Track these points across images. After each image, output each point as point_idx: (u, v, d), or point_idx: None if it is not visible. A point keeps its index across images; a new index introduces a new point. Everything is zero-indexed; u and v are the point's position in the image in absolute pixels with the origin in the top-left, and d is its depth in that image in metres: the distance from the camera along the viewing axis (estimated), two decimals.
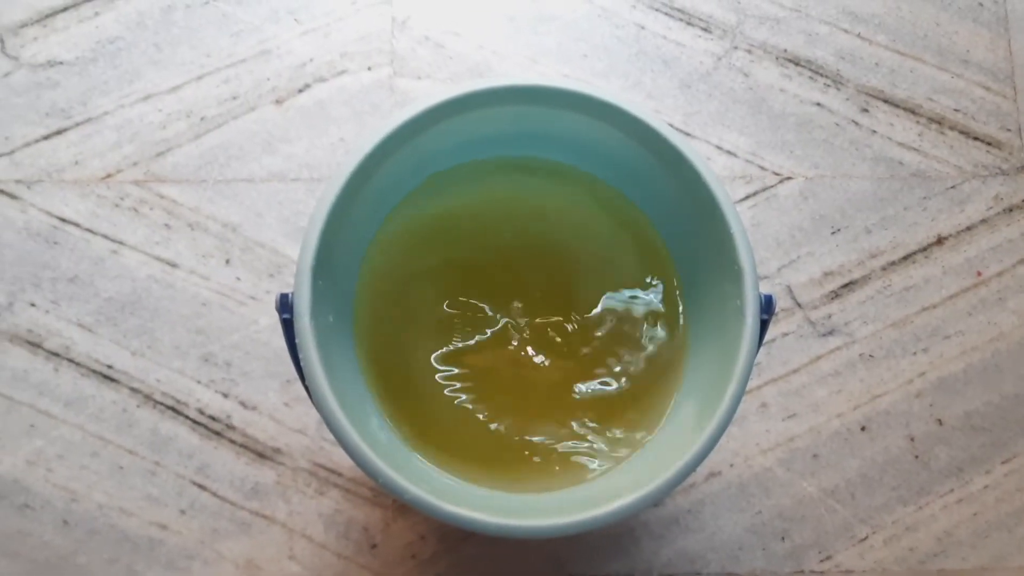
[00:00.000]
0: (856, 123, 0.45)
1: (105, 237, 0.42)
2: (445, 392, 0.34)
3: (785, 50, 0.45)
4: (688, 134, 0.44)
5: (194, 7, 0.45)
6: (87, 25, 0.44)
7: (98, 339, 0.41)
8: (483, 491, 0.32)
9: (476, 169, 0.35)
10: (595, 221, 0.35)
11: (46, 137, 0.43)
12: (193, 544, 0.39)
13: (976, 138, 0.45)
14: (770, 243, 0.43)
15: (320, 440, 0.40)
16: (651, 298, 0.35)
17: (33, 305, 0.41)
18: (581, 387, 0.34)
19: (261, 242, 0.42)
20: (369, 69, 0.44)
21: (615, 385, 0.34)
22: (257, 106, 0.44)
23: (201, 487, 0.40)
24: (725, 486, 0.41)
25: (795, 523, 0.41)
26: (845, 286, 0.43)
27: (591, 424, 0.34)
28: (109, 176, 0.43)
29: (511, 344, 0.34)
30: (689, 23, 0.46)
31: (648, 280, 0.35)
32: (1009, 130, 0.45)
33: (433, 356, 0.34)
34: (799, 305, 0.43)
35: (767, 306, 0.31)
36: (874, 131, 0.45)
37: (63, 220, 0.42)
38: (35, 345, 0.41)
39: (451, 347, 0.34)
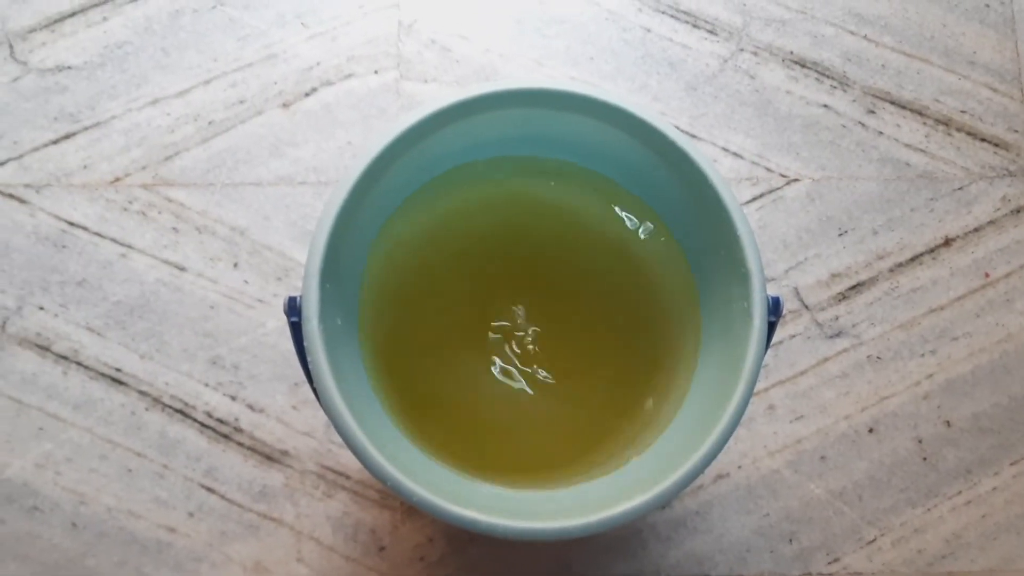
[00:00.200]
0: (863, 125, 0.45)
1: (113, 241, 0.42)
2: (451, 394, 0.34)
3: (791, 52, 0.45)
4: (694, 136, 0.44)
5: (201, 12, 0.45)
6: (95, 30, 0.44)
7: (107, 342, 0.41)
8: (491, 493, 0.32)
9: (483, 172, 0.35)
10: (604, 222, 0.35)
11: (55, 141, 0.43)
12: (201, 546, 0.39)
13: (983, 139, 0.45)
14: (777, 245, 0.43)
15: (328, 443, 0.40)
16: (662, 297, 0.35)
17: (42, 309, 0.41)
18: (588, 388, 0.34)
19: (269, 245, 0.42)
20: (376, 73, 0.44)
21: (622, 386, 0.34)
22: (264, 110, 0.44)
23: (209, 490, 0.40)
24: (733, 488, 0.41)
25: (803, 525, 0.40)
26: (852, 288, 0.43)
27: (597, 425, 0.34)
28: (117, 180, 0.43)
29: (518, 345, 0.34)
30: (695, 26, 0.46)
31: (659, 280, 0.35)
32: (1016, 131, 0.45)
33: (439, 358, 0.34)
34: (806, 307, 0.43)
35: (774, 308, 0.31)
36: (881, 132, 0.45)
37: (72, 224, 0.42)
38: (44, 349, 0.41)
39: (457, 349, 0.34)
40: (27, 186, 0.43)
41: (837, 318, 0.43)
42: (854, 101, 0.45)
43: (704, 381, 0.33)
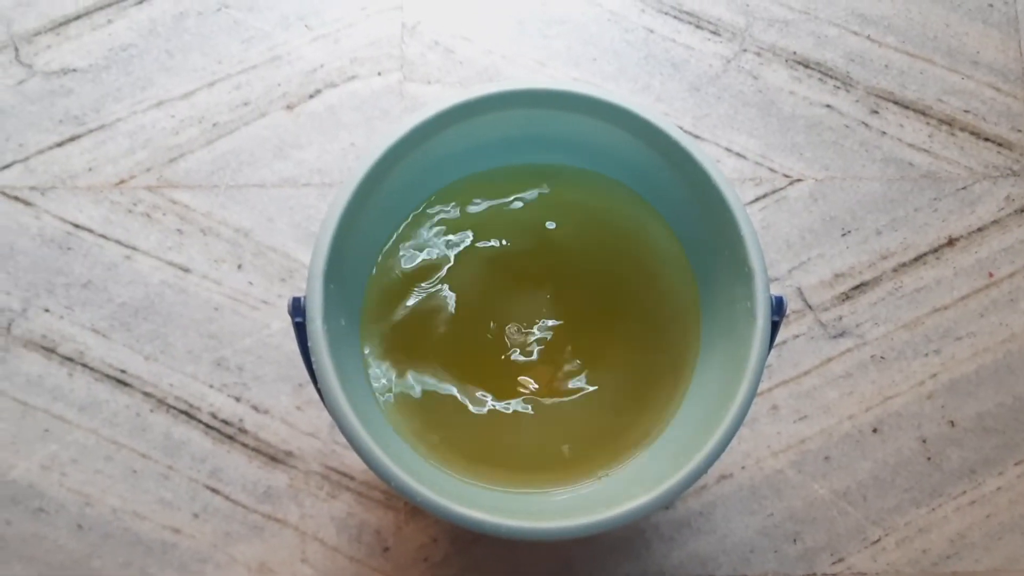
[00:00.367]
0: (866, 125, 0.45)
1: (118, 243, 0.42)
2: (454, 395, 0.34)
3: (794, 52, 0.45)
4: (698, 137, 0.44)
5: (206, 14, 0.45)
6: (100, 33, 0.45)
7: (112, 344, 0.41)
8: (493, 493, 0.32)
9: (487, 172, 0.35)
10: (612, 222, 0.35)
11: (60, 144, 0.43)
12: (206, 547, 0.39)
13: (986, 139, 0.45)
14: (780, 245, 0.43)
15: (332, 443, 0.41)
16: (665, 299, 0.35)
17: (47, 311, 0.41)
18: (592, 388, 0.34)
19: (273, 247, 0.42)
20: (379, 74, 0.44)
21: (626, 386, 0.34)
22: (268, 112, 0.44)
23: (214, 491, 0.40)
24: (736, 488, 0.41)
25: (807, 525, 0.40)
26: (856, 288, 0.43)
27: (602, 425, 0.34)
28: (122, 182, 0.43)
29: (522, 345, 0.34)
30: (698, 26, 0.46)
31: (663, 280, 0.35)
32: (1019, 131, 0.45)
33: (442, 359, 0.34)
34: (810, 307, 0.43)
35: (778, 308, 0.31)
36: (884, 133, 0.45)
37: (77, 226, 0.42)
38: (49, 350, 0.41)
39: (463, 350, 0.34)
40: (32, 188, 0.43)
41: (841, 318, 0.43)
42: (857, 101, 0.45)
43: (708, 381, 0.33)
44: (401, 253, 0.34)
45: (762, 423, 0.41)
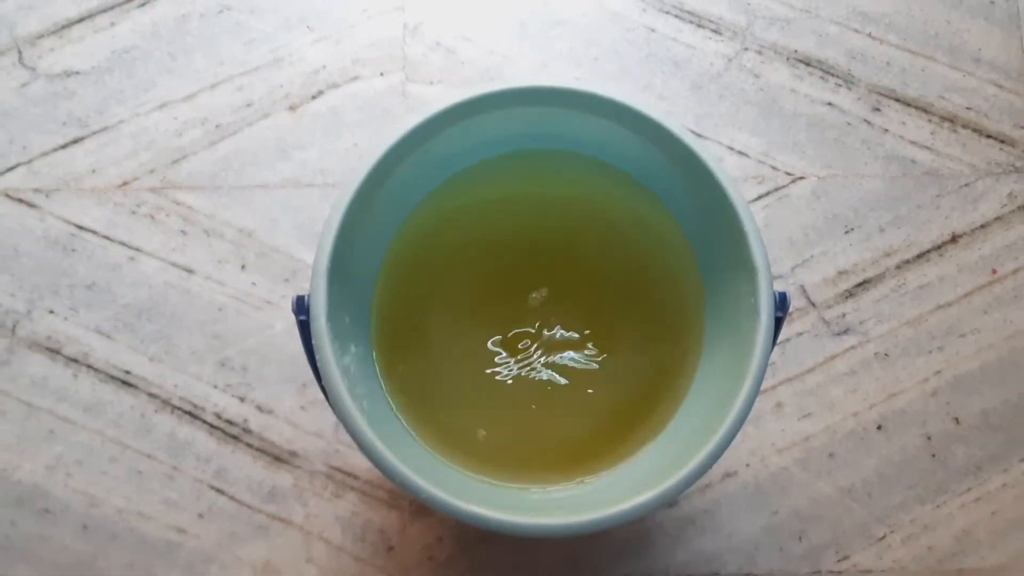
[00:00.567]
0: (868, 122, 0.45)
1: (122, 244, 0.42)
2: (459, 393, 0.34)
3: (796, 51, 0.46)
4: (700, 135, 0.44)
5: (208, 16, 0.45)
6: (103, 35, 0.45)
7: (116, 345, 0.41)
8: (498, 490, 0.32)
9: (492, 171, 0.35)
10: (615, 220, 0.35)
11: (63, 146, 0.43)
12: (211, 547, 0.40)
13: (989, 136, 0.45)
14: (783, 243, 0.43)
15: (336, 443, 0.41)
16: (669, 296, 0.35)
17: (52, 312, 0.42)
18: (597, 385, 0.34)
19: (276, 247, 0.42)
20: (381, 75, 0.45)
21: (631, 383, 0.34)
22: (271, 113, 0.44)
23: (219, 491, 0.40)
24: (741, 486, 0.41)
25: (812, 523, 0.40)
26: (859, 285, 0.43)
27: (607, 423, 0.34)
28: (126, 184, 0.43)
29: (528, 343, 0.34)
30: (699, 25, 0.46)
31: (667, 276, 0.35)
32: (1022, 127, 0.45)
33: (450, 358, 0.34)
34: (813, 304, 0.43)
35: (781, 303, 0.31)
36: (886, 130, 0.45)
37: (81, 228, 0.42)
38: (54, 352, 0.41)
39: (468, 348, 0.34)
40: (36, 191, 0.43)
41: (844, 315, 0.43)
42: (859, 99, 0.45)
43: (712, 378, 0.33)
44: (404, 250, 0.35)
45: (766, 421, 0.41)
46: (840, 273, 0.43)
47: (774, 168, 0.44)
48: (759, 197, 0.44)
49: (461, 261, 0.35)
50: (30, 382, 0.41)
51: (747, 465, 0.41)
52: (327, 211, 0.30)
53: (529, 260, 0.35)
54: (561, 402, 0.34)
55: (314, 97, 0.44)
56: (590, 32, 0.45)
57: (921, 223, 0.44)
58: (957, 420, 0.42)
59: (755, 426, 0.41)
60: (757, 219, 0.42)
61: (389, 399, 0.33)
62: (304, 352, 0.31)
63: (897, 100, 0.45)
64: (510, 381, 0.34)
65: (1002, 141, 0.45)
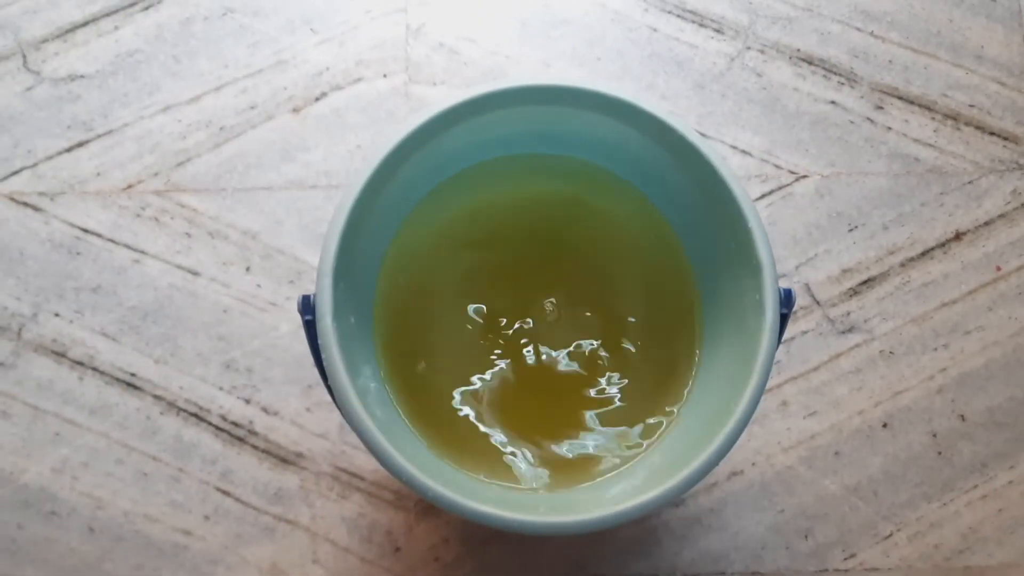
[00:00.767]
0: (871, 120, 0.45)
1: (127, 247, 0.42)
2: (464, 392, 0.34)
3: (798, 49, 0.46)
4: (703, 134, 0.44)
5: (212, 19, 0.45)
6: (107, 39, 0.45)
7: (121, 348, 0.41)
8: (503, 490, 0.32)
9: (495, 171, 0.35)
10: (616, 220, 0.35)
11: (68, 149, 0.44)
12: (217, 549, 0.40)
13: (992, 133, 0.45)
14: (787, 241, 0.43)
15: (342, 444, 0.41)
16: (671, 294, 0.35)
17: (57, 315, 0.42)
18: (600, 385, 0.34)
19: (280, 249, 0.42)
20: (384, 76, 0.45)
21: (636, 382, 0.34)
22: (275, 115, 0.44)
23: (225, 493, 0.40)
24: (747, 485, 0.41)
25: (818, 521, 0.40)
26: (864, 283, 0.43)
27: (611, 422, 0.34)
28: (130, 187, 0.43)
29: (530, 342, 0.34)
30: (701, 25, 0.46)
31: (673, 276, 0.35)
32: None
33: (452, 357, 0.34)
34: (818, 303, 0.43)
35: (786, 300, 0.31)
36: (889, 128, 0.45)
37: (86, 231, 0.43)
38: (60, 355, 0.41)
39: (471, 348, 0.34)
40: (41, 194, 0.43)
41: (849, 314, 0.43)
42: (862, 97, 0.45)
43: (718, 375, 0.33)
44: (407, 250, 0.35)
45: (772, 419, 0.41)
46: (844, 271, 0.43)
47: (777, 167, 0.44)
48: (762, 196, 0.44)
49: (464, 261, 0.35)
50: (36, 385, 0.41)
51: (753, 464, 0.41)
52: (331, 212, 0.31)
53: (531, 260, 0.35)
54: (566, 401, 0.34)
55: (317, 99, 0.44)
56: (592, 32, 0.46)
57: (925, 221, 0.44)
58: (963, 417, 0.42)
59: (761, 425, 0.41)
60: (761, 217, 0.42)
61: (393, 398, 0.33)
62: (310, 352, 0.31)
63: (900, 98, 0.45)
64: (513, 380, 0.34)
65: (1005, 138, 0.45)
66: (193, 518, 0.40)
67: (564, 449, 0.34)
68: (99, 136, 0.44)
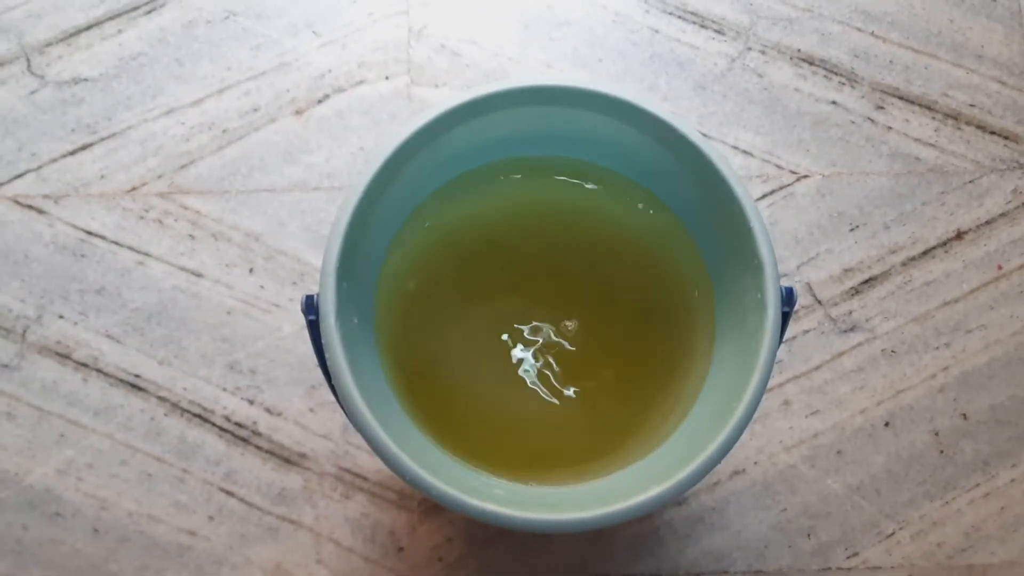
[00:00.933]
0: (872, 120, 0.45)
1: (131, 249, 0.43)
2: (467, 391, 0.34)
3: (799, 50, 0.46)
4: (704, 135, 0.44)
5: (215, 22, 0.46)
6: (110, 42, 0.45)
7: (126, 349, 0.42)
8: (507, 488, 0.32)
9: (497, 171, 0.35)
10: (621, 217, 0.36)
11: (72, 152, 0.44)
12: (222, 550, 0.40)
13: (993, 132, 0.45)
14: (788, 241, 0.43)
15: (345, 444, 0.41)
16: (676, 292, 0.35)
17: (62, 317, 0.42)
18: (606, 384, 0.34)
19: (284, 250, 0.43)
20: (387, 78, 0.45)
21: (640, 382, 0.34)
22: (277, 117, 0.44)
23: (229, 493, 0.40)
24: (750, 484, 0.41)
25: (821, 520, 0.40)
26: (865, 282, 0.43)
27: (614, 420, 0.34)
28: (134, 189, 0.43)
29: (534, 340, 0.34)
30: (702, 25, 0.46)
31: (674, 276, 0.35)
32: None
33: (455, 355, 0.34)
34: (819, 302, 0.43)
35: (788, 298, 0.31)
36: (890, 128, 0.45)
37: (90, 233, 0.43)
38: (64, 356, 0.41)
39: (473, 348, 0.34)
40: (46, 197, 0.43)
41: (851, 313, 0.43)
42: (863, 97, 0.45)
43: (720, 374, 0.33)
44: (410, 251, 0.35)
45: (774, 418, 0.41)
46: (846, 271, 0.43)
47: (779, 167, 0.44)
48: (764, 196, 0.44)
49: (469, 261, 0.35)
50: (40, 387, 0.41)
51: (755, 463, 0.41)
52: (334, 214, 0.31)
53: (534, 264, 0.35)
54: (571, 401, 0.34)
55: (320, 101, 0.45)
56: (594, 33, 0.46)
57: (926, 220, 0.44)
58: (965, 416, 0.42)
59: (763, 424, 0.41)
60: (762, 216, 0.42)
61: (396, 397, 0.33)
62: (313, 353, 0.31)
63: (901, 98, 0.45)
64: (517, 381, 0.34)
65: (1006, 137, 0.45)
66: (197, 519, 0.40)
67: (570, 448, 0.34)
68: (103, 139, 0.44)
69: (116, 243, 0.43)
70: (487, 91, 0.32)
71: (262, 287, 0.42)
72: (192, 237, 0.43)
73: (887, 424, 0.41)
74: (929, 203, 0.44)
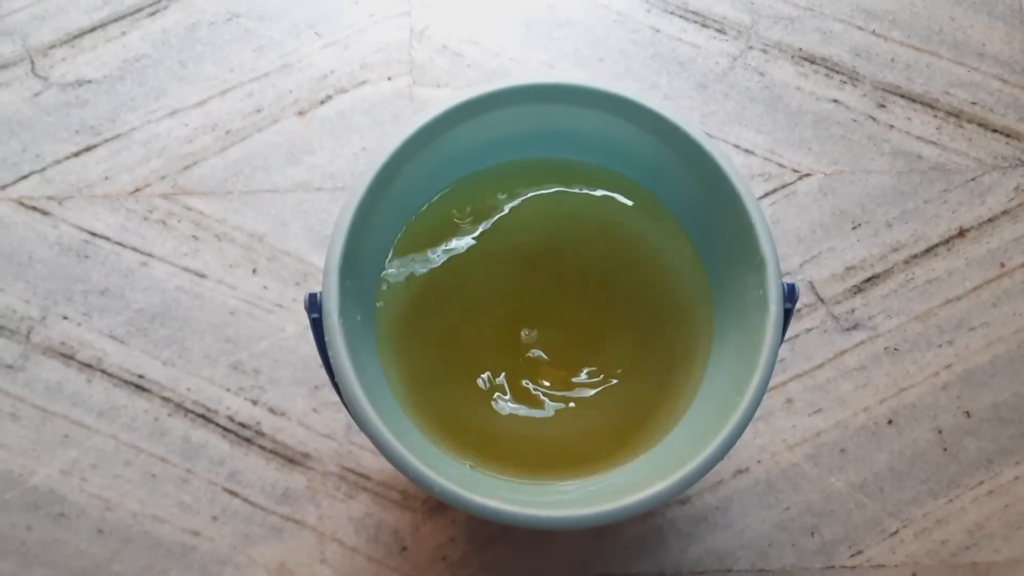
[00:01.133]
0: (873, 119, 0.45)
1: (135, 250, 0.43)
2: (471, 390, 0.34)
3: (800, 49, 0.46)
4: (706, 134, 0.45)
5: (217, 24, 0.46)
6: (114, 44, 0.45)
7: (129, 350, 0.42)
8: (510, 485, 0.32)
9: (500, 171, 0.36)
10: (620, 218, 0.36)
11: (76, 154, 0.44)
12: (226, 550, 0.40)
13: (995, 130, 0.45)
14: (791, 239, 0.43)
15: (348, 444, 0.41)
16: (676, 293, 0.35)
17: (65, 318, 0.42)
18: (606, 382, 0.34)
19: (287, 251, 0.43)
20: (389, 79, 0.45)
21: (642, 380, 0.34)
22: (280, 118, 0.44)
23: (232, 493, 0.40)
24: (753, 483, 0.41)
25: (824, 518, 0.40)
26: (868, 280, 0.43)
27: (615, 418, 0.34)
28: (138, 190, 0.44)
29: (536, 339, 0.34)
30: (704, 25, 0.46)
31: (674, 274, 0.35)
32: None
33: (455, 355, 0.34)
34: (822, 300, 0.43)
35: (790, 295, 0.31)
36: (892, 126, 0.45)
37: (93, 234, 0.43)
38: (68, 357, 0.42)
39: (474, 346, 0.34)
40: (50, 198, 0.43)
41: (853, 311, 0.43)
42: (864, 96, 0.45)
43: (722, 371, 0.33)
44: (413, 251, 0.35)
45: (777, 417, 0.41)
46: (848, 269, 0.43)
47: (780, 165, 0.44)
48: (766, 194, 0.44)
49: (472, 261, 0.35)
50: (45, 387, 0.41)
51: (758, 461, 0.41)
52: (337, 213, 0.31)
53: (535, 260, 0.35)
54: (573, 400, 0.34)
55: (323, 102, 0.45)
56: (595, 33, 0.46)
57: (928, 218, 0.44)
58: (968, 414, 0.42)
59: (766, 422, 0.41)
60: (764, 213, 0.42)
61: (399, 395, 0.33)
62: (317, 352, 0.32)
63: (902, 96, 0.45)
64: (519, 380, 0.34)
65: (1008, 135, 0.45)
66: (201, 519, 0.40)
67: (572, 447, 0.34)
68: (107, 140, 0.44)
69: (120, 244, 0.43)
70: (487, 90, 0.32)
71: (265, 287, 0.42)
72: (195, 238, 0.43)
73: (890, 422, 0.41)
74: (931, 201, 0.44)
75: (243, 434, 0.41)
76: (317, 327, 0.30)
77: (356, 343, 0.31)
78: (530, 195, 0.36)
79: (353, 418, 0.29)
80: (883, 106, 0.45)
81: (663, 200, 0.35)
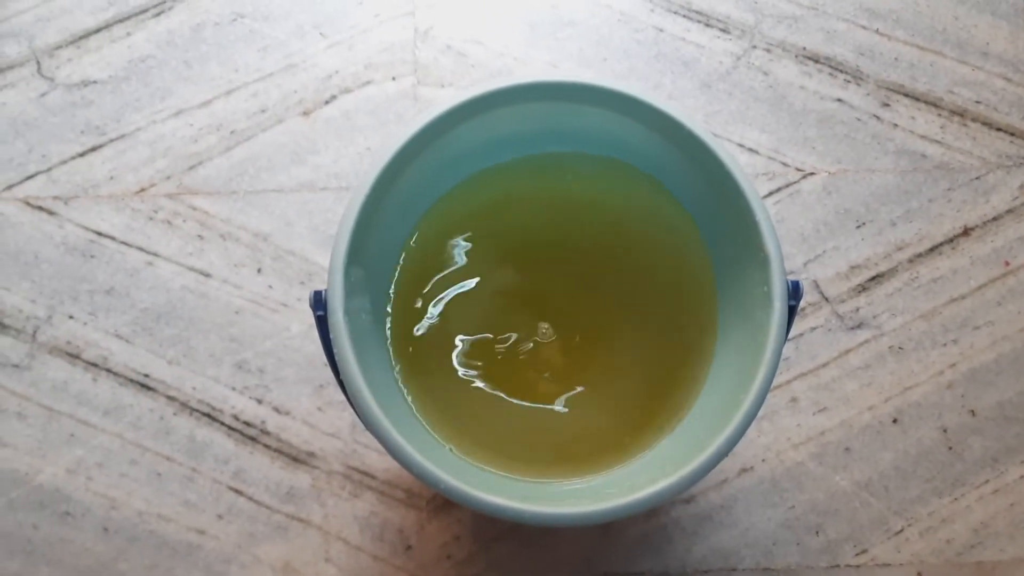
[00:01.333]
0: (878, 118, 0.45)
1: (140, 249, 0.43)
2: (476, 387, 0.34)
3: (804, 48, 0.46)
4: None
5: (222, 25, 0.46)
6: (119, 45, 0.45)
7: (135, 349, 0.42)
8: (515, 482, 0.32)
9: (510, 171, 0.36)
10: (628, 213, 0.36)
11: (82, 154, 0.44)
12: (231, 548, 0.40)
13: (999, 129, 0.45)
14: (795, 238, 0.43)
15: (353, 443, 0.41)
16: (683, 289, 0.35)
17: (71, 317, 0.42)
18: (612, 381, 0.34)
19: (291, 250, 0.43)
20: (393, 79, 0.45)
21: (646, 377, 0.34)
22: (285, 118, 0.45)
23: (237, 492, 0.40)
24: (757, 481, 0.41)
25: (829, 517, 0.40)
26: (872, 279, 0.43)
27: (619, 415, 0.34)
28: (143, 190, 0.44)
29: (543, 336, 0.34)
30: (707, 24, 0.46)
31: (681, 270, 0.35)
32: None
33: (465, 352, 0.34)
34: (826, 299, 0.43)
35: (795, 292, 0.31)
36: (896, 125, 0.45)
37: (99, 234, 0.43)
38: (74, 356, 0.42)
39: (481, 344, 0.35)
40: (56, 198, 0.44)
41: (858, 310, 0.43)
42: (868, 95, 0.45)
43: (726, 368, 0.33)
44: (419, 248, 0.35)
45: (781, 415, 0.41)
46: (852, 268, 0.43)
47: (784, 164, 0.44)
48: (770, 193, 0.44)
49: (479, 259, 0.35)
50: (51, 386, 0.41)
51: (763, 460, 0.41)
52: (342, 212, 0.31)
53: (543, 257, 0.35)
54: (577, 398, 0.34)
55: (327, 102, 0.45)
56: (599, 33, 0.46)
57: (933, 217, 0.44)
58: (973, 412, 0.42)
59: (770, 421, 0.41)
60: (768, 211, 0.42)
61: (405, 393, 0.33)
62: (322, 349, 0.32)
63: (906, 95, 0.45)
64: (524, 380, 0.34)
65: (1012, 134, 0.45)
66: (206, 517, 0.40)
67: (576, 445, 0.34)
68: (112, 141, 0.44)
69: (125, 244, 0.43)
70: (490, 88, 0.32)
71: (270, 287, 0.42)
72: (200, 237, 0.43)
73: (895, 421, 0.41)
74: (936, 200, 0.44)
75: (248, 433, 0.41)
76: (322, 324, 0.30)
77: (362, 340, 0.31)
78: (535, 192, 0.36)
79: (357, 414, 0.29)
80: (887, 105, 0.45)
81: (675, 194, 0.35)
